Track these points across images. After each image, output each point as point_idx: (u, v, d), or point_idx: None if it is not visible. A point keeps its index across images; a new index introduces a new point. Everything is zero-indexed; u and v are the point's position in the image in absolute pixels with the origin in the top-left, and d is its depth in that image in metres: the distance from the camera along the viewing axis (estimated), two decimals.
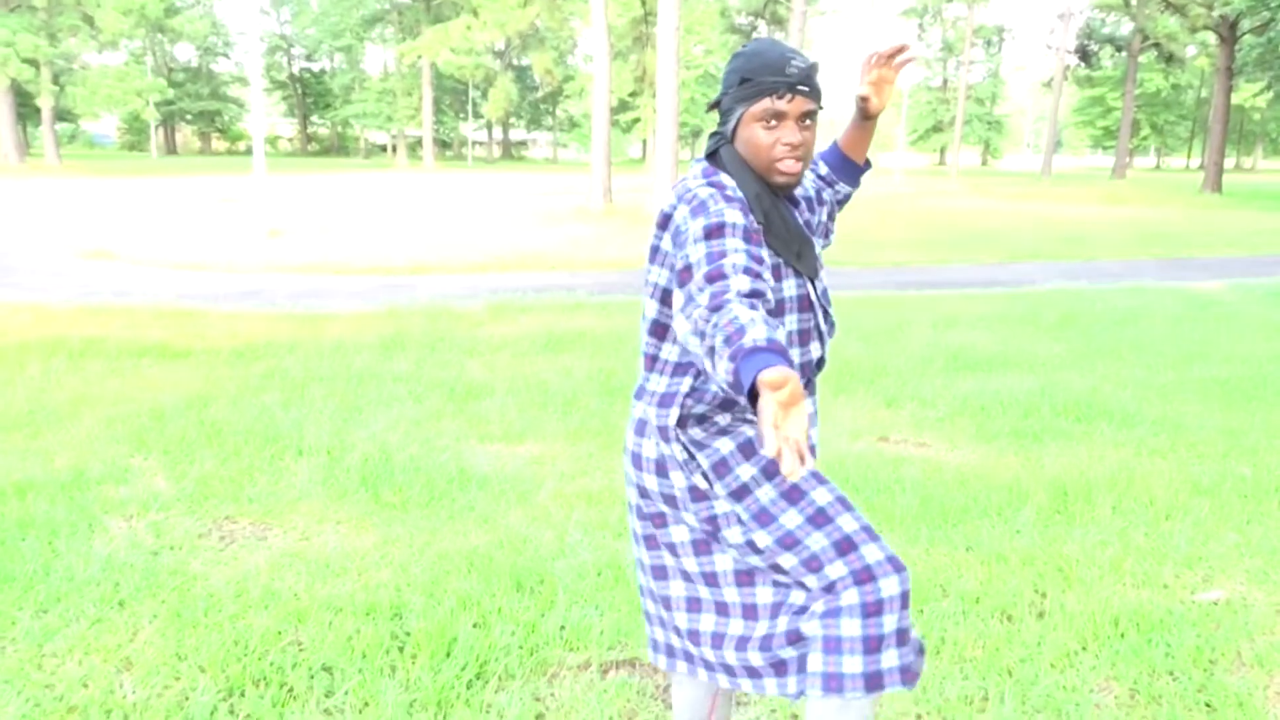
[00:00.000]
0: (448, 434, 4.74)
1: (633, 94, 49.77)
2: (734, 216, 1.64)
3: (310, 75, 72.93)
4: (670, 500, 1.82)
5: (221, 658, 2.62)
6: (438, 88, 58.98)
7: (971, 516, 3.71)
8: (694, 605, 1.88)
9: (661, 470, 1.80)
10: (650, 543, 1.90)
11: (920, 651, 1.74)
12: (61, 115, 50.59)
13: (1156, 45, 43.50)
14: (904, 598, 1.68)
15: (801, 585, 1.75)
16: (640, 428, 1.83)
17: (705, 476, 1.78)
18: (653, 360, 1.84)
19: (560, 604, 2.96)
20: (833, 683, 1.64)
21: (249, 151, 60.96)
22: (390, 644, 2.73)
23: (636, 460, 1.84)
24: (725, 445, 1.79)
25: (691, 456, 1.78)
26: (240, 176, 34.36)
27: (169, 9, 50.10)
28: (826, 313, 1.87)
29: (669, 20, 17.39)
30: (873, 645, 1.64)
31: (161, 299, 8.92)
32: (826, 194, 2.03)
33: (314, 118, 75.76)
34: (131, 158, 57.65)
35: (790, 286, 1.79)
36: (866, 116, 1.96)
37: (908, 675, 1.68)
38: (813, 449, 1.94)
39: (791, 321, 1.80)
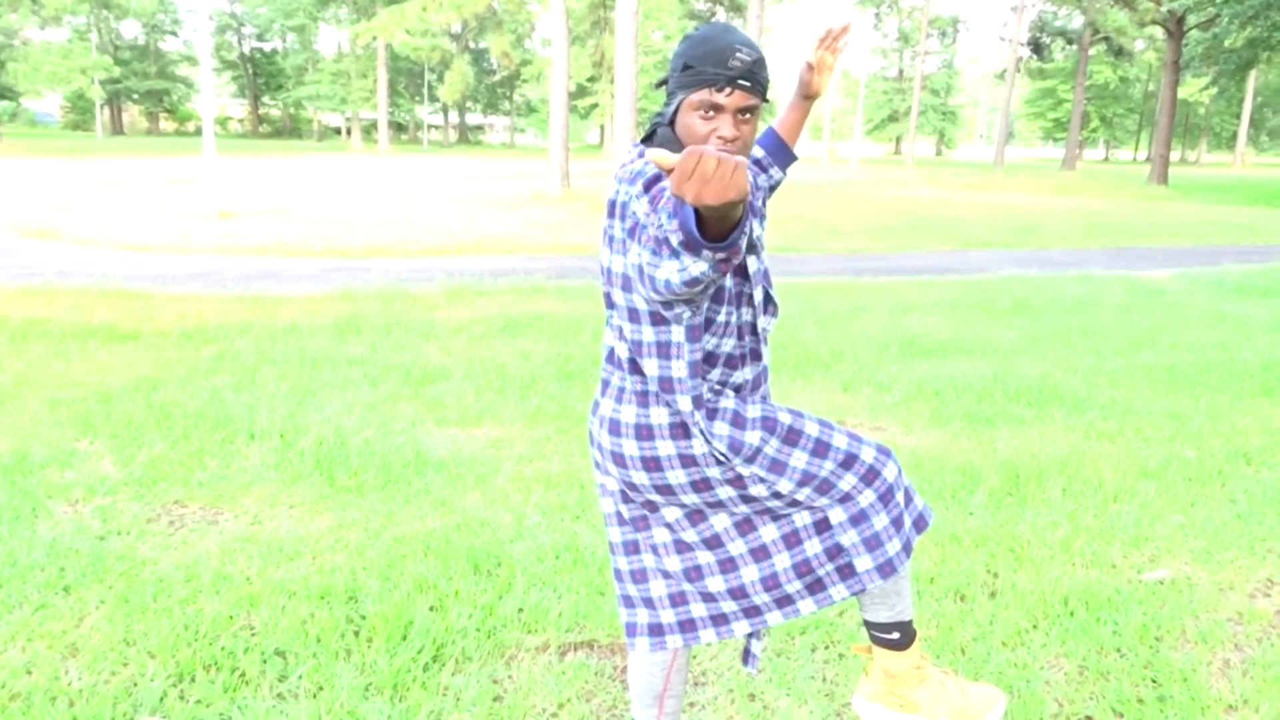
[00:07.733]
0: (404, 417, 4.69)
1: (591, 79, 49.63)
2: None
3: (261, 55, 71.45)
4: (665, 490, 1.83)
5: (171, 643, 2.57)
6: (393, 70, 58.20)
7: (926, 498, 3.75)
8: (695, 574, 1.92)
9: (652, 466, 1.79)
10: (640, 524, 1.91)
11: (915, 492, 2.00)
12: (2, 93, 49.08)
13: (1106, 39, 44.30)
14: (900, 473, 1.91)
15: (811, 508, 1.86)
16: (614, 427, 1.80)
17: (723, 457, 1.79)
18: (616, 354, 1.81)
19: (518, 586, 2.95)
20: (887, 569, 1.86)
21: (198, 132, 59.86)
22: (345, 627, 2.70)
23: (619, 459, 1.81)
24: (722, 428, 1.79)
25: (707, 442, 1.78)
26: (189, 157, 33.62)
27: None
28: (767, 293, 1.86)
29: (628, 5, 17.29)
30: (899, 523, 1.88)
31: (108, 280, 8.70)
32: (761, 179, 2.04)
33: (265, 99, 74.25)
34: (76, 137, 56.12)
35: None
36: (806, 96, 2.05)
37: (921, 522, 1.96)
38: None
39: (725, 281, 1.76)
